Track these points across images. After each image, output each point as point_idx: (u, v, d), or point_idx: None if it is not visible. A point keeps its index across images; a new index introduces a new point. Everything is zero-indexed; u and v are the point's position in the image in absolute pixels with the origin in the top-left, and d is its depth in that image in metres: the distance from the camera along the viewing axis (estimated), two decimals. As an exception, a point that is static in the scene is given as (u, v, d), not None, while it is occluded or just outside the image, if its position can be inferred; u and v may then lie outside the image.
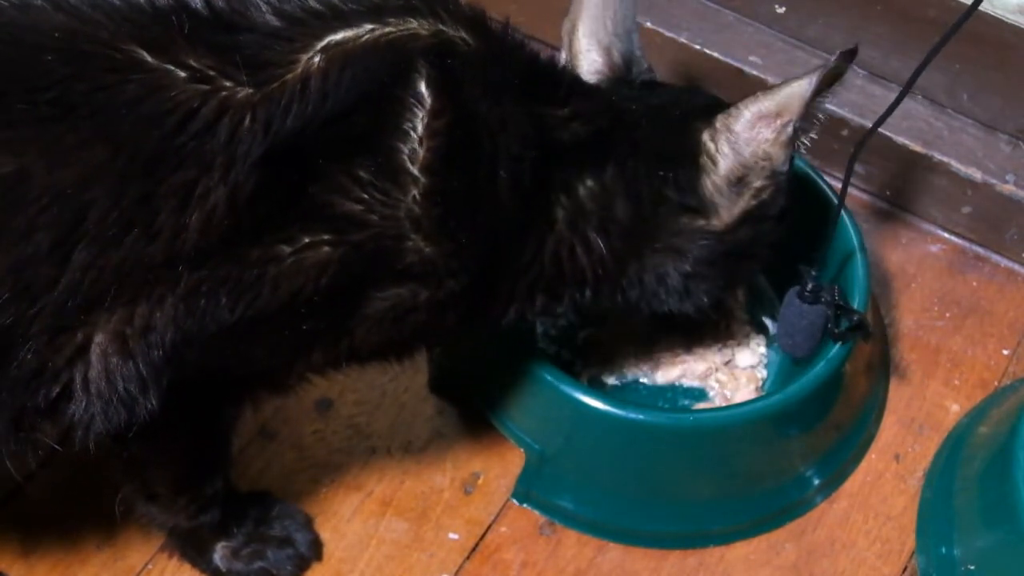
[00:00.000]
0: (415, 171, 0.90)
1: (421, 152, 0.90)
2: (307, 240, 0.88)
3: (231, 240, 0.85)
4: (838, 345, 1.13)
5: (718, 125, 1.00)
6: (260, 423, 1.20)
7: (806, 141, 1.01)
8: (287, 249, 0.88)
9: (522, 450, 1.19)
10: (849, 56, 0.95)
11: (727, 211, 1.03)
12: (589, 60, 1.07)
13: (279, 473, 1.19)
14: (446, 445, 1.22)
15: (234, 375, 0.97)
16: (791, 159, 1.01)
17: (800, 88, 0.96)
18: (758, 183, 1.02)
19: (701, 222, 1.03)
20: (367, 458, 1.20)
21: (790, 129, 0.98)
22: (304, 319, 0.92)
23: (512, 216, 0.96)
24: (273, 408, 1.20)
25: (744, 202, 1.03)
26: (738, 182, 1.01)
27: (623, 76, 1.07)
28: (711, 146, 1.00)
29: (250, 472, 1.18)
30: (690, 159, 1.01)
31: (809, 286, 1.11)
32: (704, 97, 1.09)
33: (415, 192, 0.90)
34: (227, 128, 0.83)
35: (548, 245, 1.00)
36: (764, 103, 0.98)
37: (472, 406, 1.23)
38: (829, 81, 0.96)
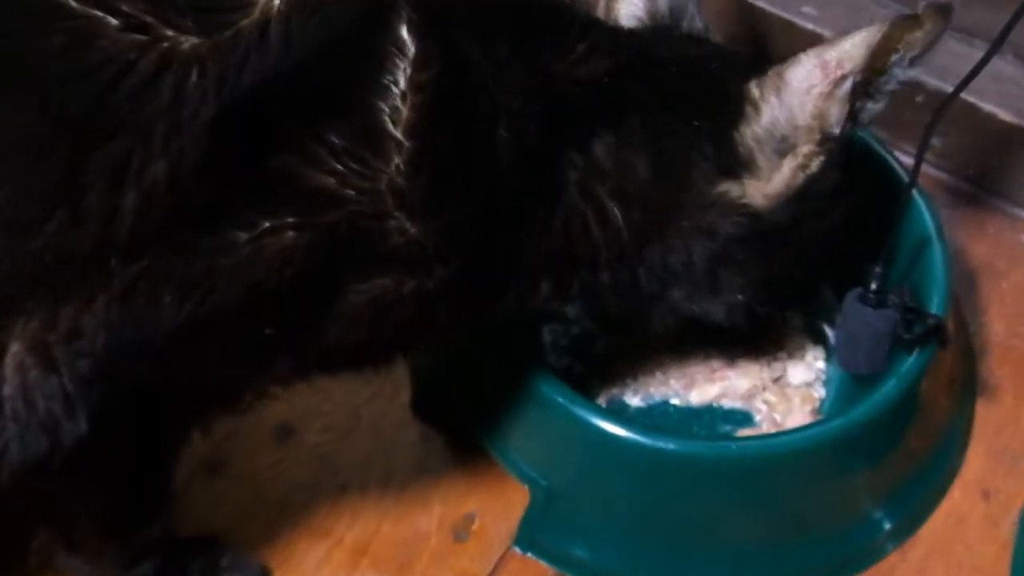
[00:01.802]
0: (398, 134, 0.90)
1: (404, 111, 0.90)
2: (268, 224, 0.88)
3: (175, 225, 0.85)
4: (912, 357, 1.13)
5: (770, 73, 1.02)
6: (206, 453, 1.20)
7: (871, 106, 1.02)
8: (244, 235, 0.88)
9: (526, 487, 1.19)
10: (941, 13, 0.97)
11: (767, 179, 1.04)
12: (628, 3, 1.10)
13: (229, 515, 1.19)
14: (433, 481, 1.22)
15: (181, 390, 0.97)
16: (848, 126, 1.03)
17: (867, 36, 0.98)
18: (805, 148, 1.03)
19: (737, 192, 1.04)
20: (336, 497, 1.21)
21: (849, 84, 0.99)
22: (266, 320, 0.92)
23: (514, 185, 0.97)
24: (223, 435, 1.20)
25: (788, 172, 1.04)
26: (782, 140, 1.03)
27: (665, 27, 1.10)
28: (756, 93, 1.03)
29: (194, 514, 1.18)
30: (730, 108, 1.03)
31: (874, 286, 1.11)
32: (756, 57, 1.12)
33: (398, 160, 0.91)
34: (170, 86, 0.83)
35: (557, 218, 1.02)
36: (825, 52, 1.00)
37: (465, 433, 1.23)
38: (905, 34, 0.98)
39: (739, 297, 1.09)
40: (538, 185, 1.00)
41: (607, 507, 1.17)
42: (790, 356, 1.26)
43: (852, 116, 1.02)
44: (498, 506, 1.21)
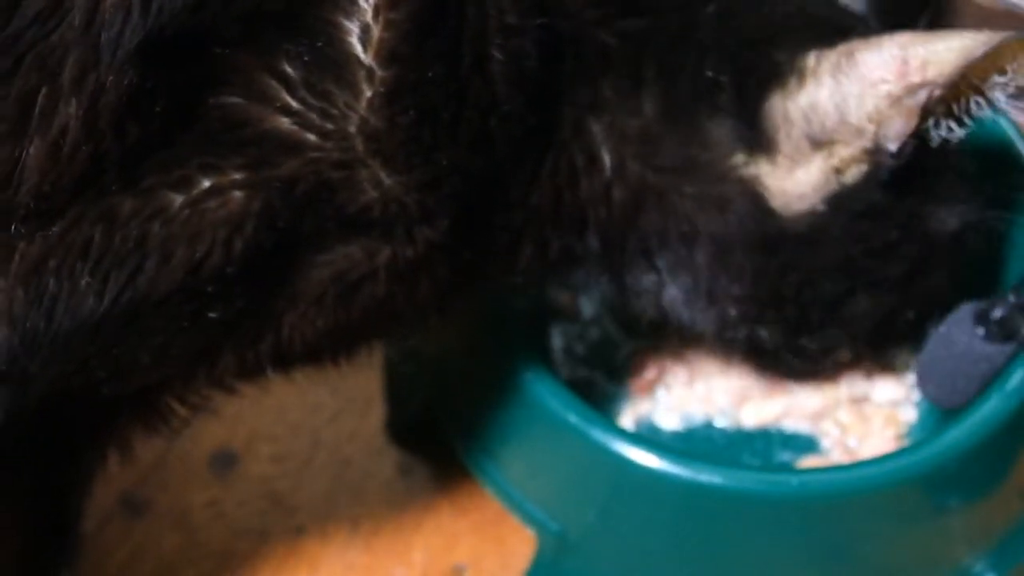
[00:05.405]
0: (369, 60, 0.90)
1: (377, 30, 0.90)
2: (209, 182, 0.88)
3: (92, 184, 0.85)
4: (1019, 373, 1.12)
5: (839, 47, 1.02)
6: (126, 488, 1.22)
7: (952, 131, 1.02)
8: (179, 198, 0.87)
9: (531, 532, 1.19)
10: None
11: (786, 169, 1.04)
12: None
13: (154, 566, 1.20)
14: (413, 524, 1.24)
15: (97, 398, 0.97)
16: (908, 147, 1.02)
17: (966, 44, 0.98)
18: (846, 151, 1.03)
19: (751, 170, 1.05)
20: (291, 542, 1.22)
21: (923, 95, 0.99)
22: (210, 304, 0.92)
23: (509, 119, 0.97)
24: (147, 464, 1.22)
25: (817, 171, 1.04)
26: (820, 130, 1.02)
27: None
28: (811, 64, 1.03)
29: (109, 565, 1.20)
30: (771, 71, 1.03)
31: (998, 314, 1.11)
32: (850, 18, 1.11)
33: (370, 93, 0.90)
34: (84, 6, 0.82)
35: (547, 163, 1.03)
36: (912, 44, 0.99)
37: (453, 463, 1.23)
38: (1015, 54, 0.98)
39: (732, 312, 1.10)
40: (535, 121, 1.00)
41: (634, 558, 1.16)
42: (876, 367, 1.26)
43: (918, 136, 1.01)
44: (495, 556, 1.23)
